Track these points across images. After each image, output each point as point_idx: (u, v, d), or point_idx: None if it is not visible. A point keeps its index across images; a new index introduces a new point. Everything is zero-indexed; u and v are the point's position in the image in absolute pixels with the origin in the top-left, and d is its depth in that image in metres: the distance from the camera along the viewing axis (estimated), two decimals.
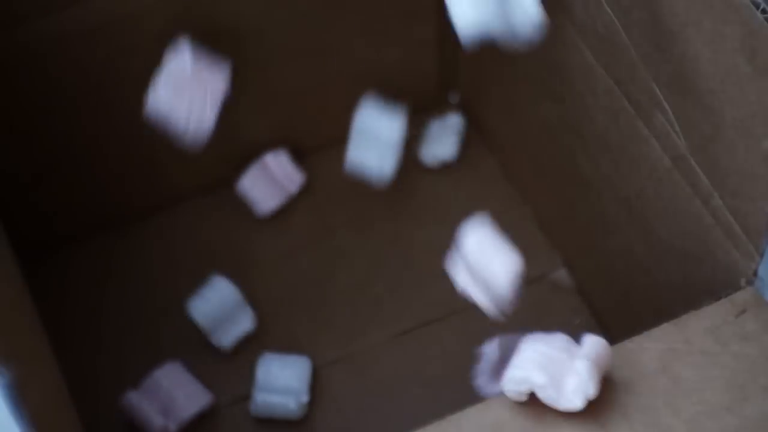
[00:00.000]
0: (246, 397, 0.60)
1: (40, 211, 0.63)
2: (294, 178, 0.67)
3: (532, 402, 0.43)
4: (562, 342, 0.43)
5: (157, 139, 0.64)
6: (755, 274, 0.46)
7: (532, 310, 0.64)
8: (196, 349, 0.62)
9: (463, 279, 0.50)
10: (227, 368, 0.61)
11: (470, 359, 0.61)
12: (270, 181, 0.66)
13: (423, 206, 0.67)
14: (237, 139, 0.66)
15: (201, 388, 0.59)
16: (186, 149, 0.65)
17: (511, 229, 0.66)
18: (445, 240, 0.65)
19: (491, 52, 0.64)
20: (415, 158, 0.69)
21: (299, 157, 0.68)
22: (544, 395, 0.42)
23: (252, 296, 0.63)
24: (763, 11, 0.41)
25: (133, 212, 0.65)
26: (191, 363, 0.61)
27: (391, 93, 0.69)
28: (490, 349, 0.58)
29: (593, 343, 0.42)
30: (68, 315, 0.63)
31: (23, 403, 0.36)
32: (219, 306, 0.61)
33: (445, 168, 0.68)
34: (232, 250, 0.66)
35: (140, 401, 0.58)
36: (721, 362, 0.43)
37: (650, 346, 0.44)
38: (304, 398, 0.59)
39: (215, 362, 0.61)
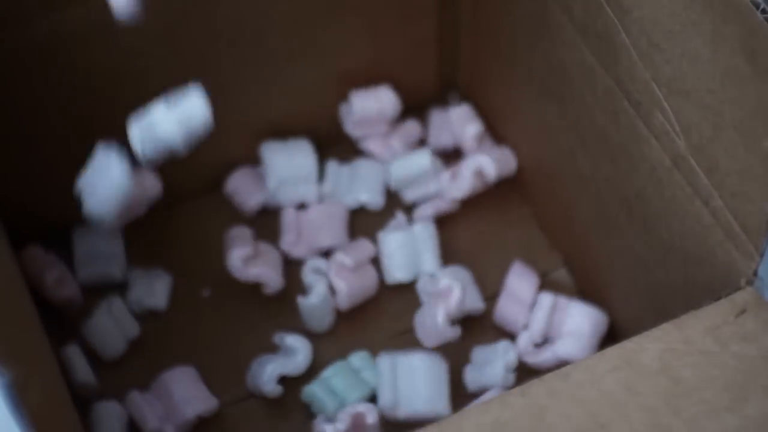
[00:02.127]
0: (247, 397, 0.60)
1: (37, 210, 0.63)
2: None
3: (533, 401, 0.43)
4: None
5: None
6: (755, 274, 0.46)
7: None
8: (200, 349, 0.62)
9: None
10: (227, 368, 0.61)
11: (469, 358, 0.61)
12: (259, 179, 0.66)
13: None
14: (237, 138, 0.66)
15: (205, 392, 0.59)
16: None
17: (511, 229, 0.66)
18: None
19: (491, 52, 0.64)
20: None
21: None
22: None
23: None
24: (763, 11, 0.41)
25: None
26: (194, 363, 0.61)
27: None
28: None
29: None
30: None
31: (23, 403, 0.36)
32: None
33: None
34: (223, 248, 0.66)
35: (141, 401, 0.58)
36: (721, 362, 0.43)
37: (650, 346, 0.44)
38: None
39: (217, 363, 0.61)
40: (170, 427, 0.58)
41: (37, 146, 0.60)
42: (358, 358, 0.60)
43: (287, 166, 0.65)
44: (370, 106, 0.66)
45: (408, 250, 0.63)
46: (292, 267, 0.64)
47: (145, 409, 0.58)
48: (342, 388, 0.59)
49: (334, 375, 0.59)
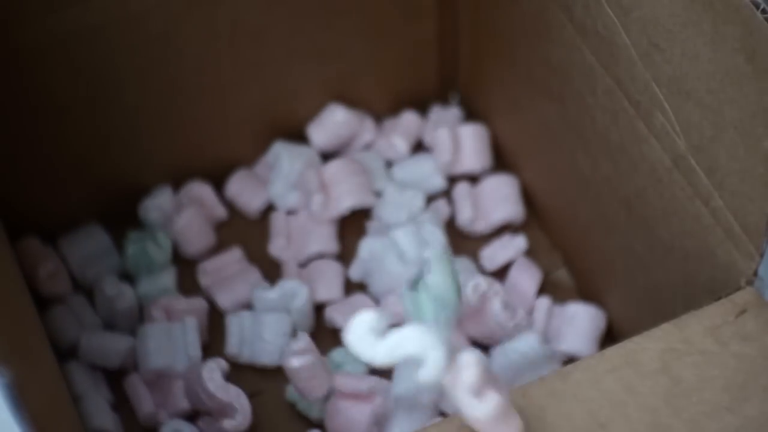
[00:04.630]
0: (251, 395, 0.60)
1: (36, 208, 0.63)
2: None
3: (533, 401, 0.43)
4: None
5: (156, 140, 0.64)
6: (755, 274, 0.46)
7: None
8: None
9: None
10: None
11: None
12: (259, 182, 0.66)
13: None
14: (236, 138, 0.66)
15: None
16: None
17: (511, 229, 0.66)
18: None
19: (491, 52, 0.64)
20: None
21: None
22: None
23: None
24: (763, 11, 0.41)
25: (132, 210, 0.65)
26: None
27: (391, 93, 0.69)
28: None
29: None
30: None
31: (23, 403, 0.36)
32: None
33: None
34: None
35: (138, 384, 0.58)
36: (721, 362, 0.43)
37: (650, 346, 0.44)
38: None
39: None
40: (164, 414, 0.58)
41: (36, 145, 0.60)
42: (338, 354, 0.60)
43: (293, 171, 0.65)
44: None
45: (418, 243, 0.63)
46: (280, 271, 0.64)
47: (141, 392, 0.58)
48: None
49: None
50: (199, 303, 0.61)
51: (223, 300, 0.62)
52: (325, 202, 0.64)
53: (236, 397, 0.56)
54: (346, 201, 0.64)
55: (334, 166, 0.65)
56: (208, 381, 0.56)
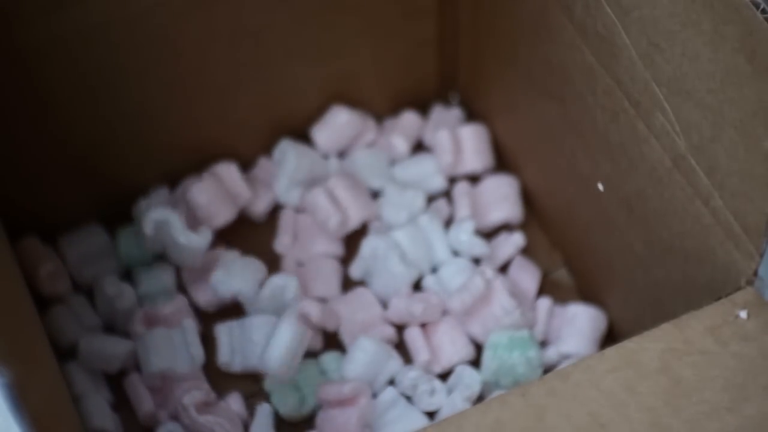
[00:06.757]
0: (250, 395, 0.60)
1: (36, 208, 0.63)
2: None
3: (533, 401, 0.43)
4: None
5: (156, 140, 0.64)
6: (755, 274, 0.46)
7: None
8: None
9: None
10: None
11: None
12: (260, 182, 0.66)
13: None
14: (236, 138, 0.66)
15: (205, 385, 0.59)
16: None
17: (509, 228, 0.66)
18: None
19: (491, 52, 0.64)
20: None
21: None
22: None
23: None
24: (763, 11, 0.41)
25: (131, 210, 0.65)
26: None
27: (391, 93, 0.69)
28: None
29: None
30: None
31: (23, 403, 0.36)
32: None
33: None
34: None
35: (138, 383, 0.58)
36: (721, 362, 0.43)
37: (650, 346, 0.44)
38: None
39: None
40: (164, 414, 0.58)
41: (37, 145, 0.60)
42: (327, 360, 0.60)
43: (299, 169, 0.65)
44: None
45: (419, 244, 0.63)
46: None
47: (141, 392, 0.58)
48: (305, 385, 0.58)
49: (301, 371, 0.59)
50: (181, 302, 0.61)
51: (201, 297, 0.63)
52: (344, 221, 0.63)
53: (215, 424, 0.56)
54: (356, 217, 0.64)
55: (338, 184, 0.64)
56: (184, 417, 0.56)
